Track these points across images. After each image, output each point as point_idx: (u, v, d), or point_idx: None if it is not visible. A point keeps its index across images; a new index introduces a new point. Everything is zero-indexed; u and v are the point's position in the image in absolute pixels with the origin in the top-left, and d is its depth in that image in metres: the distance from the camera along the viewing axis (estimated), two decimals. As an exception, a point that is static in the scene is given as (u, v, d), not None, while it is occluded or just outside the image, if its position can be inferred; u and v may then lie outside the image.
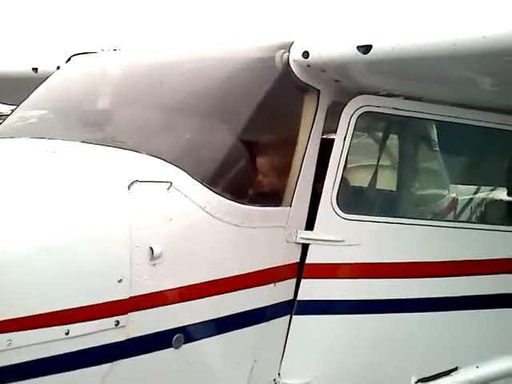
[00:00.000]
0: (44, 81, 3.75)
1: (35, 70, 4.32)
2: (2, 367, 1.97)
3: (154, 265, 2.35)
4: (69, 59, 3.96)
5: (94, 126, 3.09)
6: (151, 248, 2.34)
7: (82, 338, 2.14)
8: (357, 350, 3.13)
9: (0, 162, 2.71)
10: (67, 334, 2.09)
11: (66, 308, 2.09)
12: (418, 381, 3.20)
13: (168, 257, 2.39)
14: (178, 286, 2.46)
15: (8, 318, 1.96)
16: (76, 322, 2.11)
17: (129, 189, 2.38)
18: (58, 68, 3.98)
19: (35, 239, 2.11)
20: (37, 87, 3.70)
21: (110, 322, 2.22)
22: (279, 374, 3.01)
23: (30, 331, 2.00)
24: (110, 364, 2.26)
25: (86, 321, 2.14)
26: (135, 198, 2.39)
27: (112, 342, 2.24)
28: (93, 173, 2.52)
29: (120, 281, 2.24)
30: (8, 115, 3.88)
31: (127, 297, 2.27)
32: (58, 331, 2.07)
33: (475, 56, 2.55)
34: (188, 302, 2.51)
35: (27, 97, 3.70)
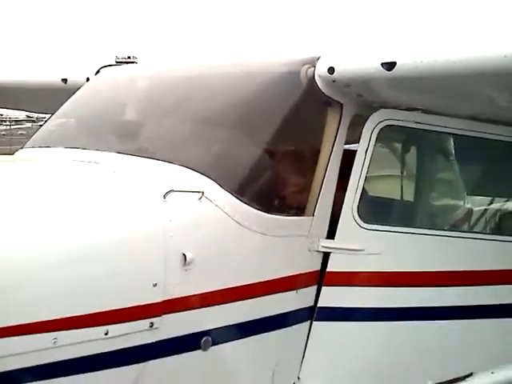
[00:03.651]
0: (75, 92, 3.87)
1: (64, 80, 4.45)
2: (48, 364, 2.07)
3: (186, 270, 2.45)
4: (98, 71, 4.07)
5: (127, 136, 3.19)
6: (184, 254, 2.43)
7: (120, 339, 2.25)
8: (374, 356, 3.19)
9: (40, 171, 2.86)
10: (106, 334, 2.19)
11: (106, 310, 2.19)
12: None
13: (199, 263, 2.48)
14: (207, 291, 2.56)
15: (53, 318, 2.07)
16: (115, 323, 2.21)
17: (164, 198, 2.48)
18: (88, 79, 4.10)
19: (80, 243, 2.22)
20: (68, 98, 3.82)
21: (145, 323, 2.32)
22: (299, 378, 3.08)
23: (73, 331, 2.11)
24: (143, 364, 2.36)
25: (123, 322, 2.25)
26: (170, 207, 2.49)
27: (146, 342, 2.34)
28: (131, 183, 2.64)
29: (155, 285, 2.34)
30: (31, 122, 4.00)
31: (161, 300, 2.36)
32: (98, 331, 2.17)
33: (496, 74, 2.64)
34: (216, 307, 2.61)
35: (59, 107, 3.81)
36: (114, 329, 2.22)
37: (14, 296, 2.04)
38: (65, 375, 2.14)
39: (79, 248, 2.21)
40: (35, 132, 3.80)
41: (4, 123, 37.66)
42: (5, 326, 1.98)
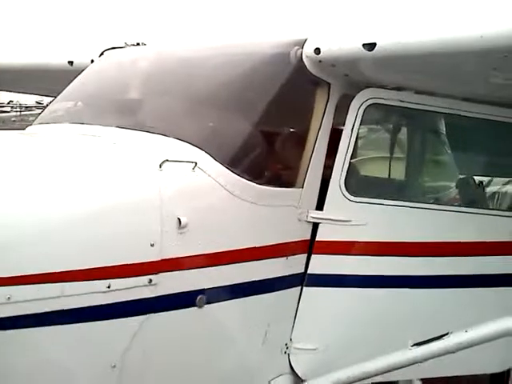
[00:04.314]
0: (80, 73, 4.07)
1: (71, 63, 4.67)
2: (56, 311, 2.30)
3: (181, 233, 2.65)
4: (102, 53, 4.27)
5: (127, 113, 3.39)
6: (179, 219, 2.64)
7: (121, 292, 2.47)
8: (361, 320, 3.39)
9: (47, 143, 3.08)
10: (108, 287, 2.42)
11: (108, 265, 2.42)
12: (414, 344, 3.45)
13: (192, 227, 2.69)
14: (201, 253, 2.76)
15: (61, 270, 2.30)
16: (116, 278, 2.44)
17: (160, 167, 2.68)
18: (92, 61, 4.30)
19: (86, 207, 2.46)
20: (73, 79, 4.02)
21: (144, 279, 2.54)
22: (291, 340, 3.28)
23: (78, 282, 2.34)
24: (143, 316, 2.58)
25: (124, 277, 2.47)
26: (165, 175, 2.70)
27: (146, 297, 2.56)
28: (129, 153, 2.86)
29: (152, 245, 2.56)
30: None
31: (159, 259, 2.58)
32: (101, 284, 2.40)
33: (474, 53, 2.76)
34: (209, 268, 2.82)
35: (65, 87, 4.01)
36: (116, 283, 2.44)
37: (28, 249, 2.28)
38: (71, 323, 2.36)
39: (85, 211, 2.45)
40: (43, 110, 4.02)
41: (14, 109, 37.98)
42: (20, 274, 2.22)
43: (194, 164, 2.79)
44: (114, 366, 2.49)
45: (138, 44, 4.37)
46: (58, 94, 4.02)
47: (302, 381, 3.31)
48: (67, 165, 2.66)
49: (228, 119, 3.25)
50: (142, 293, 2.55)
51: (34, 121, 3.86)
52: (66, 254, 2.34)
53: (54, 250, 2.33)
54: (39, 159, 2.73)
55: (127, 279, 2.48)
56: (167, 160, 2.71)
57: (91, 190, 2.52)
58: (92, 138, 3.06)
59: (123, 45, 4.32)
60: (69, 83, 4.04)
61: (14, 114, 36.83)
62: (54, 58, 4.88)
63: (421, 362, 3.18)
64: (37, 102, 35.20)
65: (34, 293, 2.25)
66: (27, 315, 2.25)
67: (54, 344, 2.36)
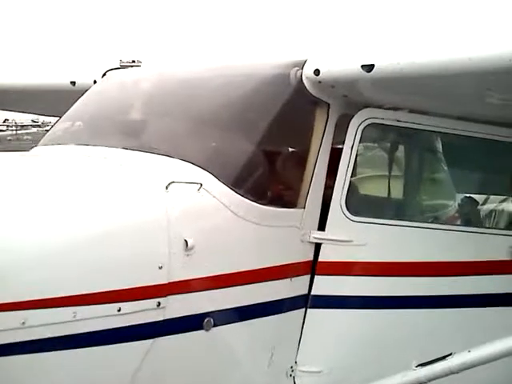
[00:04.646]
0: (83, 94, 4.12)
1: (73, 83, 4.70)
2: (68, 336, 2.33)
3: (188, 255, 2.68)
4: (104, 74, 4.31)
5: (132, 134, 3.45)
6: (185, 240, 2.67)
7: (131, 315, 2.49)
8: (364, 341, 3.41)
9: (54, 164, 3.12)
10: (119, 310, 2.44)
11: (118, 288, 2.44)
12: (418, 365, 3.45)
13: (199, 249, 2.72)
14: (207, 275, 2.80)
15: (73, 294, 2.32)
16: (126, 301, 2.46)
17: (166, 189, 2.73)
18: (95, 82, 4.35)
19: (94, 229, 2.49)
20: (77, 100, 4.07)
21: (153, 302, 2.56)
22: (296, 362, 3.30)
23: (90, 306, 2.37)
24: (151, 340, 2.60)
25: (134, 300, 2.49)
26: (172, 197, 2.73)
27: (154, 320, 2.59)
28: (136, 174, 2.91)
29: (161, 267, 2.58)
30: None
31: (166, 282, 2.61)
32: (112, 308, 2.43)
33: (465, 75, 2.85)
34: (215, 290, 2.85)
35: (67, 107, 4.06)
36: (126, 306, 2.46)
37: (39, 273, 2.30)
38: (83, 347, 2.38)
39: (94, 233, 2.48)
40: (46, 132, 4.06)
41: (10, 128, 38.08)
42: (35, 298, 2.23)
43: (199, 185, 2.83)
44: None
45: (133, 61, 4.43)
46: (61, 114, 4.08)
47: None
48: (73, 186, 2.69)
49: (230, 139, 3.31)
50: (150, 316, 2.58)
51: (29, 139, 3.90)
52: (78, 277, 2.38)
53: (64, 273, 2.35)
54: (44, 181, 2.76)
55: (137, 302, 2.51)
56: (173, 182, 2.75)
57: (100, 211, 2.56)
58: (98, 159, 3.10)
59: (118, 63, 4.37)
60: (72, 103, 4.10)
61: (10, 132, 36.99)
62: (56, 77, 4.93)
63: (425, 383, 3.18)
64: (32, 121, 35.34)
65: (48, 317, 2.27)
66: (41, 340, 2.27)
67: (67, 368, 2.38)
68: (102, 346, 2.44)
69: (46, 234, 2.37)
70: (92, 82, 4.37)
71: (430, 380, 3.17)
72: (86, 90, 4.20)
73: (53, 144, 3.64)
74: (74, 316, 2.33)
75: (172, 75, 3.87)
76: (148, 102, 3.68)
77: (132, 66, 4.52)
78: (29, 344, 2.24)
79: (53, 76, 5.00)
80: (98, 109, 3.90)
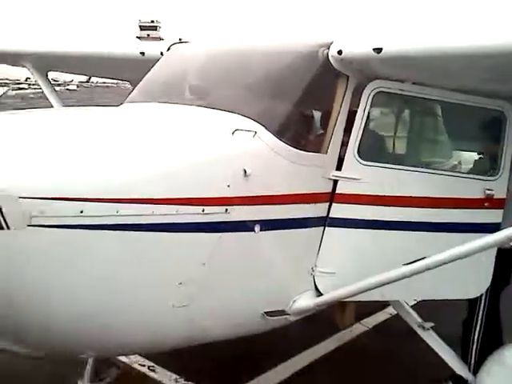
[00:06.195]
0: (154, 64, 5.03)
1: (142, 53, 5.53)
2: (172, 223, 3.17)
3: (246, 180, 3.49)
4: (169, 48, 5.08)
5: (201, 95, 4.41)
6: (244, 169, 3.48)
7: (210, 215, 3.35)
8: (367, 251, 4.21)
9: (148, 116, 4.16)
10: (203, 211, 3.30)
11: (203, 197, 3.41)
12: (404, 264, 3.98)
13: (253, 176, 3.51)
14: (258, 194, 3.61)
15: (176, 197, 3.29)
16: (208, 206, 3.42)
17: (232, 134, 3.58)
18: (162, 54, 5.10)
19: (185, 158, 3.36)
20: (150, 68, 4.97)
21: (223, 208, 3.41)
22: (316, 265, 4.11)
23: (186, 206, 3.31)
24: (220, 233, 3.42)
25: (212, 206, 3.45)
26: (236, 139, 3.57)
27: (223, 220, 3.43)
28: (211, 124, 3.76)
29: (228, 186, 3.41)
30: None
31: (231, 196, 3.43)
32: (198, 209, 3.29)
33: (462, 58, 3.51)
34: (264, 206, 3.65)
35: (133, 74, 5.02)
36: (207, 208, 3.31)
37: (156, 185, 3.15)
38: (180, 231, 3.22)
39: (187, 161, 3.44)
40: (130, 92, 4.97)
41: (31, 87, 38.47)
42: (155, 197, 3.10)
43: (254, 133, 3.63)
44: (204, 264, 3.48)
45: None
46: (127, 79, 5.01)
47: (322, 294, 4.13)
48: (172, 131, 3.71)
49: (275, 100, 4.11)
50: (221, 217, 3.40)
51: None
52: (180, 187, 3.34)
53: (174, 184, 3.31)
54: (145, 128, 3.75)
55: (214, 207, 3.35)
56: (237, 129, 3.58)
57: (190, 147, 3.56)
58: (181, 112, 4.12)
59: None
60: (139, 70, 5.01)
61: (32, 90, 37.49)
62: (128, 48, 5.71)
63: (408, 277, 3.84)
64: (53, 80, 35.83)
65: (157, 211, 3.09)
66: (131, 224, 3.05)
67: (156, 246, 3.18)
68: (192, 232, 3.29)
69: (159, 159, 3.34)
70: (159, 54, 5.10)
71: (412, 274, 3.99)
72: (153, 60, 4.91)
73: (138, 101, 4.41)
74: (177, 211, 3.17)
75: (226, 50, 4.76)
76: (211, 71, 4.60)
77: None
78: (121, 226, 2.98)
79: (125, 46, 5.88)
80: (171, 75, 4.68)
